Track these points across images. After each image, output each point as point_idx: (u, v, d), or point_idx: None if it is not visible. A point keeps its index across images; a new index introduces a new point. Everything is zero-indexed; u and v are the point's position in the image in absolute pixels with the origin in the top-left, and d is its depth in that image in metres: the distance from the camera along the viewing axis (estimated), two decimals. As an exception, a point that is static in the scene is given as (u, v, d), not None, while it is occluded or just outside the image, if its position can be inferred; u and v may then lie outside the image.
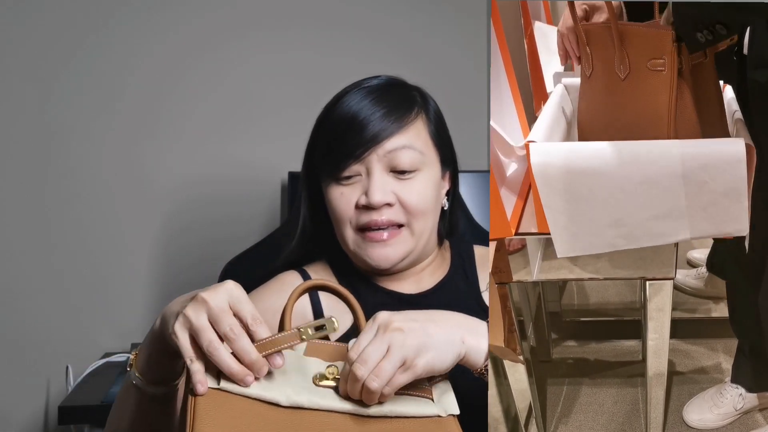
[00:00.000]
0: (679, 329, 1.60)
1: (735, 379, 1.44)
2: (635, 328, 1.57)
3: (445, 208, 1.09)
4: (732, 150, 0.85)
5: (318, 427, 0.74)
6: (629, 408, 1.49)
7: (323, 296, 1.04)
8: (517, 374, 1.28)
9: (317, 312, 1.04)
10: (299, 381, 0.77)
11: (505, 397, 1.29)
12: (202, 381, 0.73)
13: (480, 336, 0.80)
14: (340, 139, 1.01)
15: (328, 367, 0.79)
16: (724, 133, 0.94)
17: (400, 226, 1.01)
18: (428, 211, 1.01)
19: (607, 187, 0.93)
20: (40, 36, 2.01)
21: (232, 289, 0.76)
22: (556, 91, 1.24)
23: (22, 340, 2.04)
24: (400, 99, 1.02)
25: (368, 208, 0.99)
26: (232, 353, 0.74)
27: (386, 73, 2.21)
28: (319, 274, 1.10)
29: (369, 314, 0.99)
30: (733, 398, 1.43)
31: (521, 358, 1.43)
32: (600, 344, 1.62)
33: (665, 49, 0.91)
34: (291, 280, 1.07)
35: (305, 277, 1.08)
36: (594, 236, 0.98)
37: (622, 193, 0.92)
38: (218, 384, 0.74)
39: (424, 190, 1.00)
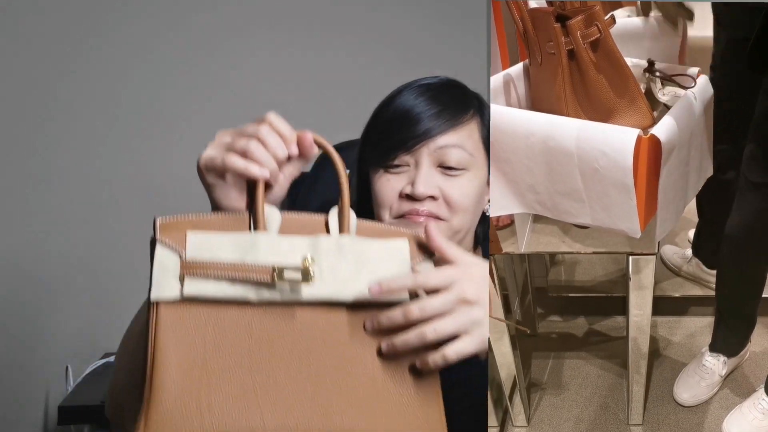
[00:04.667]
0: (663, 306, 1.60)
1: (716, 348, 1.45)
2: (621, 305, 1.58)
3: (487, 214, 1.09)
4: (621, 138, 0.85)
5: (290, 332, 0.73)
6: (612, 382, 1.52)
7: None
8: (503, 347, 1.31)
9: None
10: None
11: (489, 370, 1.33)
12: (259, 169, 0.76)
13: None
14: (392, 132, 1.03)
15: (303, 261, 0.73)
16: (637, 113, 0.93)
17: (440, 219, 1.01)
18: (469, 210, 1.02)
19: (517, 152, 0.95)
20: (42, 37, 2.01)
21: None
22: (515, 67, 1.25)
23: (22, 340, 2.04)
24: (456, 100, 1.03)
25: (411, 198, 1.00)
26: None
27: (386, 73, 2.23)
28: None
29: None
30: (717, 366, 1.44)
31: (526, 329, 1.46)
32: (585, 319, 1.64)
33: (551, 31, 0.92)
34: None
35: None
36: (518, 196, 1.01)
37: (529, 161, 0.94)
38: (181, 293, 0.72)
39: (469, 189, 1.01)
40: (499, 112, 0.97)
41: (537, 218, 1.29)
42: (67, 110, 2.05)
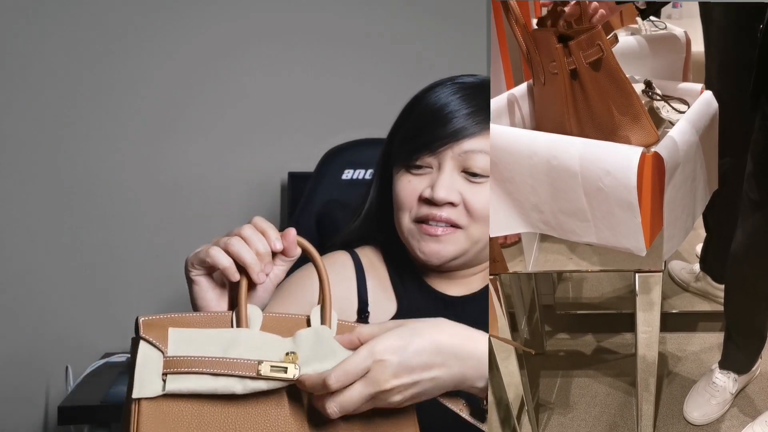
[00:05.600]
0: (672, 322, 1.59)
1: (726, 365, 1.43)
2: (629, 322, 1.57)
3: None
4: (624, 157, 0.84)
5: (274, 423, 0.74)
6: (621, 400, 1.50)
7: (370, 282, 1.06)
8: (510, 366, 1.28)
9: (362, 297, 1.05)
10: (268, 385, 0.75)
11: (497, 389, 1.31)
12: (232, 270, 0.78)
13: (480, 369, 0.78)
14: (421, 129, 1.00)
15: (287, 354, 0.75)
16: (641, 131, 0.93)
17: (457, 227, 0.99)
18: (489, 219, 1.00)
19: (521, 172, 0.94)
20: (60, 41, 2.05)
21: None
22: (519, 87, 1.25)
23: (22, 341, 2.05)
24: (489, 101, 1.01)
25: (430, 202, 0.98)
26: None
27: (386, 74, 2.23)
28: (369, 258, 1.10)
29: (409, 310, 1.03)
30: (728, 383, 1.42)
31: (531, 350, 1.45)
32: (593, 337, 1.62)
33: (554, 51, 0.92)
34: (342, 259, 1.09)
35: (355, 258, 1.09)
36: (522, 216, 1.00)
37: (533, 180, 0.93)
38: (163, 389, 0.73)
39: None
40: (502, 132, 0.97)
41: (544, 236, 1.28)
42: (78, 114, 2.08)
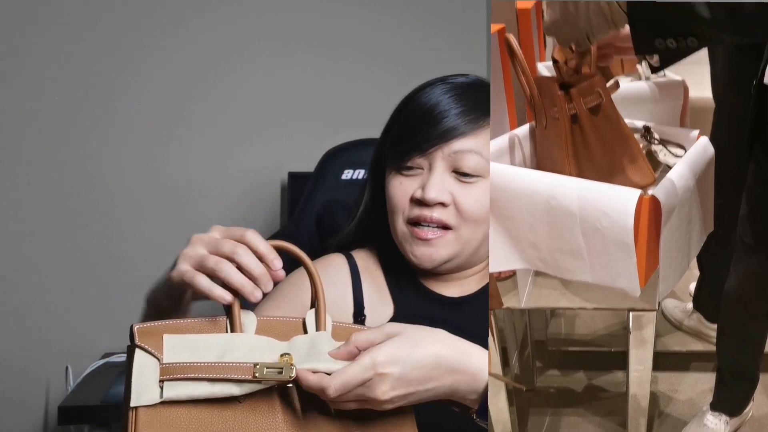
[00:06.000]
0: (664, 362, 1.59)
1: (718, 407, 1.43)
2: (621, 359, 1.57)
3: None
4: (622, 199, 0.85)
5: (269, 428, 0.75)
6: (612, 439, 1.50)
7: (366, 285, 1.06)
8: (499, 402, 1.28)
9: (358, 299, 1.05)
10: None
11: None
12: (223, 294, 0.76)
13: (476, 380, 0.79)
14: (412, 130, 1.01)
15: (282, 356, 0.76)
16: (638, 173, 0.95)
17: (448, 228, 0.99)
18: (482, 220, 0.99)
19: (520, 210, 0.96)
20: (60, 42, 2.05)
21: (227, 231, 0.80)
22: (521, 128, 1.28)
23: (22, 341, 2.04)
24: (481, 101, 1.01)
25: (421, 203, 0.98)
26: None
27: (386, 74, 2.23)
28: (364, 260, 1.10)
29: (406, 313, 1.03)
30: (719, 426, 1.42)
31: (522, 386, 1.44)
32: (585, 374, 1.62)
33: (555, 97, 0.94)
34: (337, 261, 1.09)
35: (350, 261, 1.09)
36: (519, 253, 1.01)
37: (531, 219, 0.95)
38: (161, 396, 0.73)
39: (483, 198, 0.98)
40: (503, 171, 0.98)
41: (538, 271, 1.29)
42: (78, 113, 2.08)
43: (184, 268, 0.79)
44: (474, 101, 1.00)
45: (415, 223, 1.00)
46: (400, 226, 1.01)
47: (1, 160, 2.05)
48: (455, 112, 0.98)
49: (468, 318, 1.04)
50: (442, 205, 0.98)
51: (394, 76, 2.16)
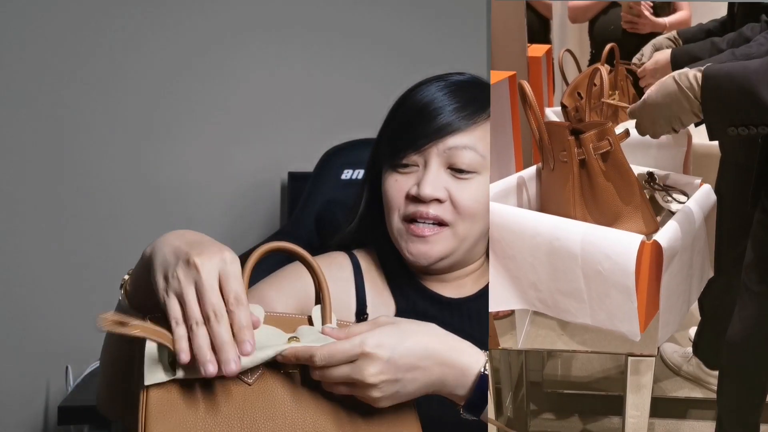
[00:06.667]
0: (662, 408, 1.58)
1: None
2: (618, 404, 1.55)
3: None
4: (625, 243, 0.86)
5: (282, 401, 0.76)
6: (606, 486, 1.48)
7: (368, 283, 1.07)
8: None
9: (360, 298, 1.06)
10: (260, 355, 0.76)
11: None
12: (185, 349, 0.72)
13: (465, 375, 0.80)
14: (407, 127, 1.01)
15: (290, 339, 0.78)
16: (642, 220, 0.96)
17: (444, 224, 0.99)
18: (478, 216, 0.99)
19: (522, 251, 0.96)
20: (53, 40, 2.03)
21: (226, 261, 0.75)
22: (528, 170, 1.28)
23: (22, 340, 2.04)
24: (476, 98, 1.01)
25: (417, 199, 0.99)
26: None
27: (387, 74, 2.23)
28: (366, 259, 1.10)
29: (407, 313, 1.03)
30: None
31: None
32: (580, 418, 1.60)
33: (565, 142, 0.96)
34: (340, 260, 1.09)
35: (352, 259, 1.09)
36: (520, 293, 1.02)
37: (533, 259, 0.95)
38: (174, 374, 0.74)
39: (478, 194, 0.98)
40: (507, 212, 0.99)
41: (536, 312, 1.29)
42: (72, 113, 2.07)
43: (170, 301, 0.75)
44: (469, 98, 1.01)
45: (411, 220, 1.00)
46: (396, 223, 1.02)
47: (1, 160, 2.05)
48: (450, 109, 0.99)
49: (468, 319, 1.05)
50: (438, 201, 0.98)
51: (395, 76, 2.13)
